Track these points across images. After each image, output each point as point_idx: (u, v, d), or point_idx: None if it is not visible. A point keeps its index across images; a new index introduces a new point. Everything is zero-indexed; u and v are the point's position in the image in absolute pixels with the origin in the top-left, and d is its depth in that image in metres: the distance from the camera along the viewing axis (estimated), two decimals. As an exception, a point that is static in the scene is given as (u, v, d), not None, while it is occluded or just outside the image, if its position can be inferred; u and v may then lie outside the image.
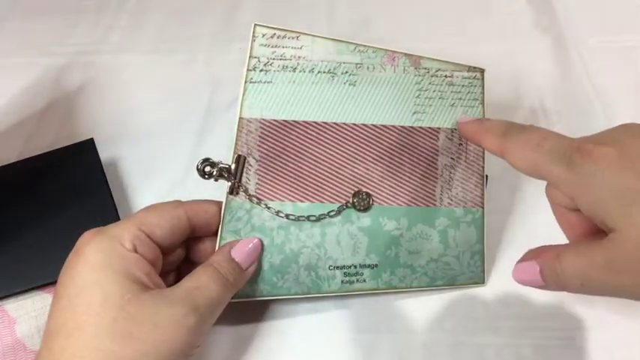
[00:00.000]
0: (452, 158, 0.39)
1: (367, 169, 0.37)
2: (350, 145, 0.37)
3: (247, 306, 0.40)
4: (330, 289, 0.37)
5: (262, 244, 0.36)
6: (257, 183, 0.36)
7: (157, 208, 0.34)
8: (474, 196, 0.39)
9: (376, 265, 0.38)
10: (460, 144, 0.39)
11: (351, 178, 0.37)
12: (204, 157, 0.35)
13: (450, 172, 0.39)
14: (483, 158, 0.39)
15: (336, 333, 0.39)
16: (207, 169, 0.36)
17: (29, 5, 0.60)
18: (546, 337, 0.38)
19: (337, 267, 0.37)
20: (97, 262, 0.31)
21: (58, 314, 0.30)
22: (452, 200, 0.39)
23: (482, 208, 0.39)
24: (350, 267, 0.37)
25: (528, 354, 0.38)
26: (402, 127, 0.38)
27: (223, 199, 0.36)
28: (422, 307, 0.40)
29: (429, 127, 0.38)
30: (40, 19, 0.58)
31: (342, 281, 0.37)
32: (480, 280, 0.40)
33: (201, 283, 0.32)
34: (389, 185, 0.38)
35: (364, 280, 0.38)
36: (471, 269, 0.39)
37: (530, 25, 0.56)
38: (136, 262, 0.31)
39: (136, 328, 0.29)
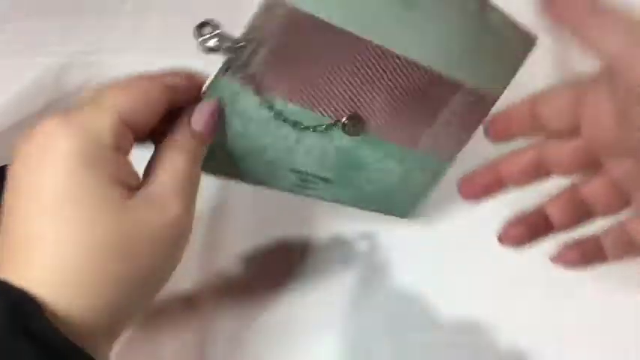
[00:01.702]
0: (453, 115, 0.38)
1: (372, 97, 0.36)
2: (369, 69, 0.35)
3: (244, 306, 0.40)
4: (282, 186, 0.38)
5: (221, 107, 0.33)
6: (259, 70, 0.33)
7: (128, 85, 0.30)
8: (450, 152, 0.40)
9: (332, 181, 0.38)
10: (470, 107, 0.38)
11: (353, 99, 0.36)
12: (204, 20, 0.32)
13: (444, 128, 0.39)
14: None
15: (335, 333, 0.39)
16: (207, 30, 0.32)
17: (29, 5, 0.60)
18: (547, 336, 0.38)
19: (296, 171, 0.37)
20: (69, 156, 0.26)
21: (14, 210, 0.26)
22: (429, 149, 0.39)
23: (449, 163, 0.40)
24: (308, 174, 0.38)
25: (529, 353, 0.38)
26: (431, 71, 0.36)
27: (210, 77, 0.33)
28: (422, 307, 0.40)
29: (454, 80, 0.37)
30: (40, 19, 0.58)
31: (297, 185, 0.38)
32: (403, 215, 0.42)
33: (168, 166, 0.30)
34: (384, 119, 0.37)
35: (317, 190, 0.38)
36: (403, 204, 0.42)
37: (530, 25, 0.56)
38: (117, 163, 0.28)
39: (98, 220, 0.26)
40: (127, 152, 0.30)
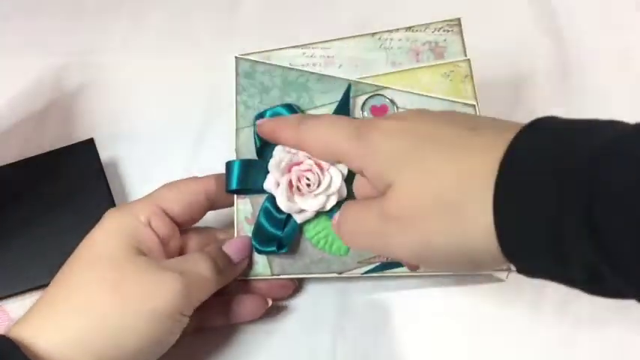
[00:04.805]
0: None
1: None
2: None
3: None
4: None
5: (252, 244, 0.37)
6: None
7: (174, 185, 0.37)
8: None
9: None
10: None
11: None
12: None
13: None
14: None
15: (335, 334, 0.39)
16: None
17: (29, 5, 0.60)
18: (549, 335, 0.38)
19: None
20: (109, 228, 0.34)
21: (63, 268, 0.33)
22: None
23: None
24: None
25: (532, 352, 0.38)
26: None
27: None
28: (422, 309, 0.40)
29: None
30: (40, 19, 0.58)
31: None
32: None
33: (191, 259, 0.35)
34: None
35: None
36: None
37: (530, 25, 0.56)
38: (145, 234, 0.34)
39: (124, 281, 0.32)
40: (160, 232, 0.35)
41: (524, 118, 0.49)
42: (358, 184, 0.33)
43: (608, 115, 0.48)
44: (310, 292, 0.41)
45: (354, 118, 0.36)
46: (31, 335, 0.29)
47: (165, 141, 0.49)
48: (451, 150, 0.27)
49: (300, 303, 0.40)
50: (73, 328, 0.30)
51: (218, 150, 0.41)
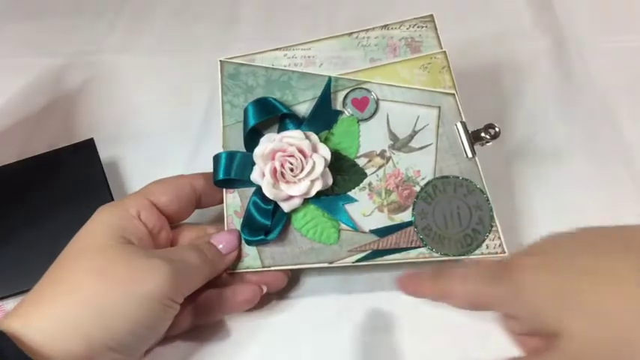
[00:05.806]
0: None
1: None
2: None
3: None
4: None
5: (241, 236, 0.37)
6: None
7: (162, 180, 0.38)
8: None
9: None
10: None
11: None
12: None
13: None
14: None
15: (335, 332, 0.39)
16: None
17: (29, 5, 0.60)
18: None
19: None
20: (99, 221, 0.35)
21: (53, 263, 0.33)
22: None
23: None
24: None
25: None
26: None
27: None
28: (422, 308, 0.40)
29: None
30: (40, 19, 0.58)
31: None
32: None
33: (179, 249, 0.36)
34: None
35: None
36: None
37: (530, 25, 0.56)
38: (134, 225, 0.35)
39: (111, 267, 0.32)
40: (149, 224, 0.36)
41: (524, 118, 0.49)
42: (510, 325, 0.32)
43: (608, 115, 0.48)
44: (310, 290, 0.41)
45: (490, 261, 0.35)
46: (20, 325, 0.30)
47: (165, 141, 0.49)
48: (611, 282, 0.26)
49: (299, 302, 0.40)
50: (61, 313, 0.30)
51: (218, 150, 0.41)
